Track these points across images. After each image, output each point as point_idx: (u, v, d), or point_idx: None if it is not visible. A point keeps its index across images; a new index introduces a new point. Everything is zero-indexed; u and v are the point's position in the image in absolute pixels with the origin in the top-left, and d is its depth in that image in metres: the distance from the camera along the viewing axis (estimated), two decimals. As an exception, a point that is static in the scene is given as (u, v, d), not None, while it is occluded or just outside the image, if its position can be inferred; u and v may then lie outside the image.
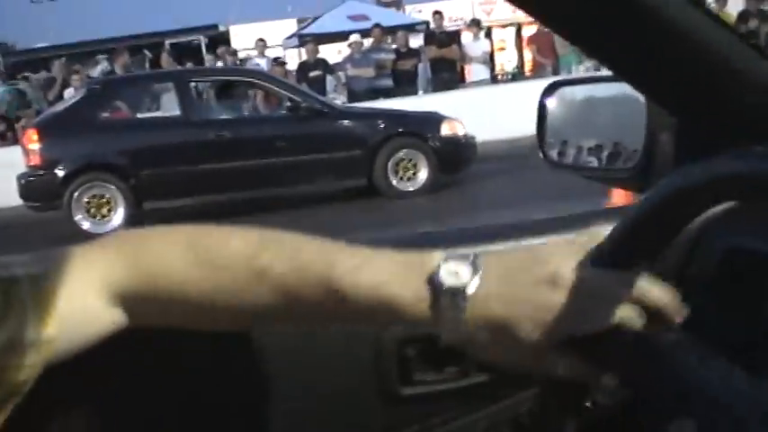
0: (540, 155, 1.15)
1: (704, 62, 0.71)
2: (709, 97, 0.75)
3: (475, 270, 0.68)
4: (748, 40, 0.75)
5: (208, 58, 15.59)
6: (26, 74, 14.17)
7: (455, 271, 0.67)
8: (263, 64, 13.51)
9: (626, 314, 0.66)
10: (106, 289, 0.72)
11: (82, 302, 0.71)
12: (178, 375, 0.93)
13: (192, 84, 9.15)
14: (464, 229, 1.12)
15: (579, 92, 1.15)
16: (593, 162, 1.09)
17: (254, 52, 13.87)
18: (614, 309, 0.66)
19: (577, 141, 1.13)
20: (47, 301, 0.69)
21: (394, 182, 8.98)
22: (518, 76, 18.39)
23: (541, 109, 1.15)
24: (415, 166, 9.00)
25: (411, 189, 8.99)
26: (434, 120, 9.10)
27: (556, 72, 14.12)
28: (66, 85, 12.90)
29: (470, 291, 0.67)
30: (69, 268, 0.71)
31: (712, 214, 0.86)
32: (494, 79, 16.10)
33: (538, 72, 14.96)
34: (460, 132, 9.08)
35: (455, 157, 9.01)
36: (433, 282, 0.67)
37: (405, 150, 8.97)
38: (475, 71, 14.43)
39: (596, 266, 0.69)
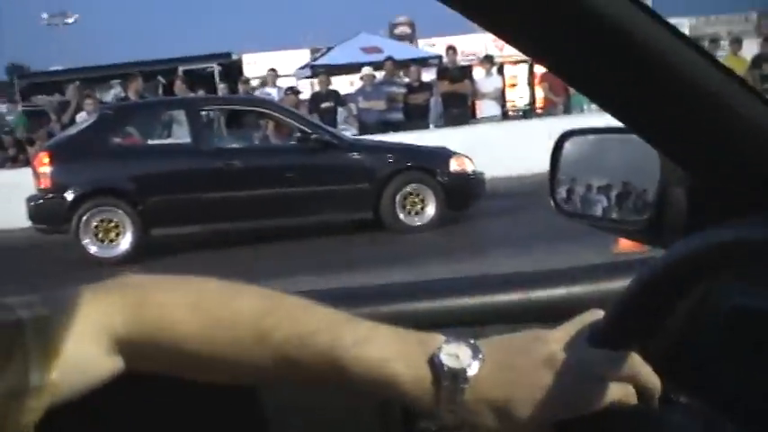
0: (551, 203, 1.16)
1: (717, 117, 0.71)
2: (723, 153, 0.74)
3: (475, 353, 0.70)
4: (763, 95, 0.74)
5: (221, 86, 15.69)
6: (39, 96, 14.31)
7: (455, 353, 0.69)
8: (273, 93, 13.59)
9: (620, 393, 0.68)
10: (107, 337, 0.73)
11: (84, 348, 0.72)
12: (178, 422, 0.93)
13: (203, 112, 9.21)
14: (456, 279, 1.13)
15: (593, 141, 1.15)
16: (605, 213, 1.09)
17: (266, 81, 13.93)
18: (606, 388, 0.68)
19: (589, 192, 1.13)
20: (51, 346, 0.69)
21: (401, 216, 8.96)
22: (529, 113, 18.44)
23: (554, 157, 1.16)
24: (422, 200, 8.99)
25: (418, 224, 8.97)
26: (443, 155, 9.11)
27: (567, 110, 14.17)
28: (79, 108, 12.99)
29: (470, 373, 0.68)
30: (74, 313, 0.72)
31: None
32: (505, 115, 16.15)
33: (549, 110, 15.03)
34: (469, 168, 9.08)
35: (463, 193, 9.01)
36: (434, 363, 0.69)
37: (413, 185, 8.97)
38: (486, 107, 14.49)
39: (592, 346, 0.70)
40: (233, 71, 16.08)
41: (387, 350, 0.70)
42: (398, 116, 13.98)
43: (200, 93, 14.13)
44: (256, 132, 10.41)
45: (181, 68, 16.29)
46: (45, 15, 43.73)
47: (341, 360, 0.70)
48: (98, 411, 0.80)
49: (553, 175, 1.16)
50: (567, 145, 1.16)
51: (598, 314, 0.74)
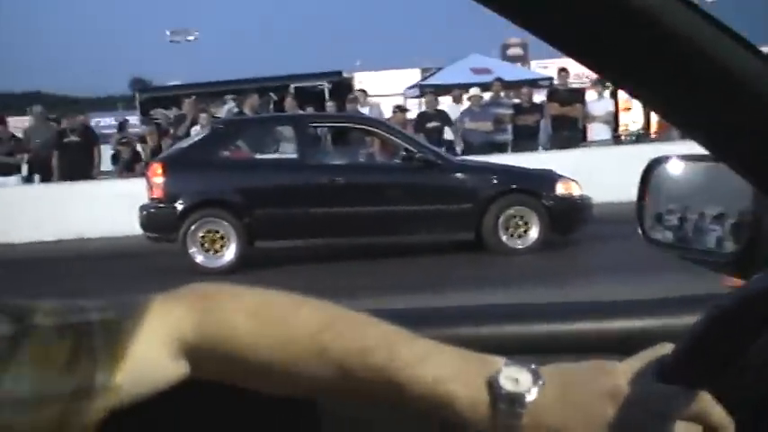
0: (639, 231, 1.12)
1: None
2: None
3: (535, 379, 0.68)
4: None
5: (329, 104, 15.93)
6: (158, 110, 14.88)
7: (515, 377, 0.68)
8: (366, 111, 13.67)
9: None
10: (173, 342, 0.74)
11: (150, 353, 0.73)
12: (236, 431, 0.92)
13: (311, 128, 9.35)
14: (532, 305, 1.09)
15: (684, 168, 1.10)
16: (696, 244, 1.05)
17: (373, 100, 14.07)
18: (672, 426, 0.65)
19: (679, 222, 1.09)
20: (118, 348, 0.71)
21: (503, 238, 8.85)
22: (642, 137, 17.96)
23: (643, 183, 1.12)
24: (526, 223, 8.85)
25: (520, 246, 8.84)
26: (549, 178, 8.95)
27: (683, 136, 13.69)
28: (194, 122, 13.43)
29: (529, 399, 0.67)
30: (142, 318, 0.73)
31: None
32: (616, 139, 15.77)
33: (663, 135, 14.57)
34: (576, 192, 8.88)
35: (568, 218, 8.81)
36: (493, 386, 0.68)
37: (516, 207, 8.85)
38: (596, 130, 14.18)
39: (659, 382, 0.68)
40: (343, 89, 16.30)
41: (444, 370, 0.69)
42: (505, 137, 13.87)
43: (309, 110, 14.37)
44: (362, 150, 10.50)
45: (292, 86, 16.65)
46: (168, 32, 45.69)
47: (397, 378, 0.69)
48: (160, 415, 0.80)
49: (641, 204, 1.13)
50: (657, 172, 1.12)
51: (667, 348, 0.70)
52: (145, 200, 9.05)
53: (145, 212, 8.89)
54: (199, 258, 8.73)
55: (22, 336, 0.68)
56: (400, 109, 14.45)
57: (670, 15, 0.61)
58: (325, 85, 17.41)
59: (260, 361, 0.73)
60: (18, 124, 15.12)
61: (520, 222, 8.86)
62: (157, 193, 8.78)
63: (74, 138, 13.34)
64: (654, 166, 1.13)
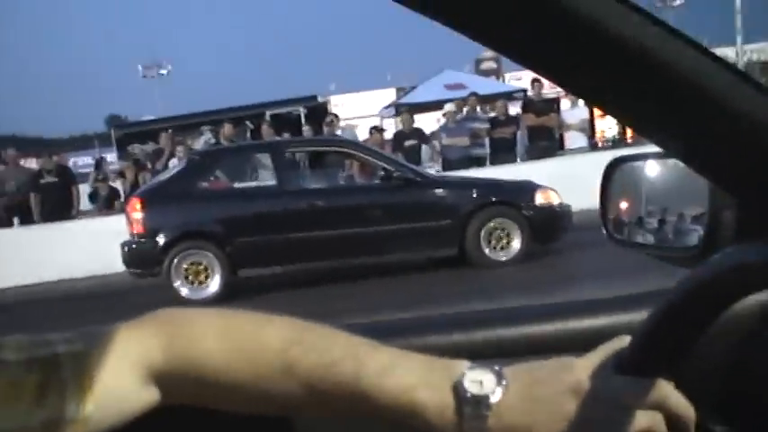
0: (603, 231, 1.14)
1: (758, 137, 0.67)
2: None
3: (499, 379, 0.69)
4: None
5: (305, 128, 15.98)
6: (134, 145, 14.85)
7: (479, 380, 0.69)
8: (353, 133, 13.70)
9: (648, 421, 0.67)
10: (142, 369, 0.74)
11: (119, 381, 0.73)
12: None
13: (288, 154, 9.36)
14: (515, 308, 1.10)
15: (644, 167, 1.11)
16: (657, 241, 1.07)
17: (345, 123, 14.11)
18: (634, 416, 0.66)
19: (639, 219, 1.11)
20: (86, 379, 0.71)
21: (486, 251, 8.87)
22: (618, 143, 18.08)
23: (605, 184, 1.14)
24: (508, 235, 8.87)
25: (504, 259, 8.86)
26: (528, 188, 9.00)
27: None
28: (171, 155, 13.42)
29: (493, 400, 0.68)
30: (109, 347, 0.73)
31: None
32: (593, 146, 15.88)
33: (639, 139, 14.69)
34: (555, 201, 8.93)
35: (549, 227, 8.85)
36: (458, 389, 0.69)
37: (497, 219, 8.87)
38: (574, 138, 14.29)
39: (619, 374, 0.69)
40: (319, 113, 16.33)
41: (410, 377, 0.70)
42: (483, 151, 13.93)
43: (286, 136, 14.40)
44: (341, 172, 10.51)
45: (268, 113, 16.67)
46: (140, 68, 45.76)
47: (364, 389, 0.70)
48: None
49: (604, 204, 1.14)
50: (618, 172, 1.14)
51: (625, 341, 0.72)
52: (126, 236, 9.01)
53: (127, 249, 8.86)
54: (184, 291, 8.70)
55: None
56: (377, 129, 14.51)
57: (621, 24, 0.63)
58: (301, 111, 17.45)
59: (230, 381, 0.73)
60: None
61: (502, 234, 8.88)
62: (138, 229, 8.75)
63: (50, 179, 13.28)
64: (614, 165, 1.14)
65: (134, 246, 8.82)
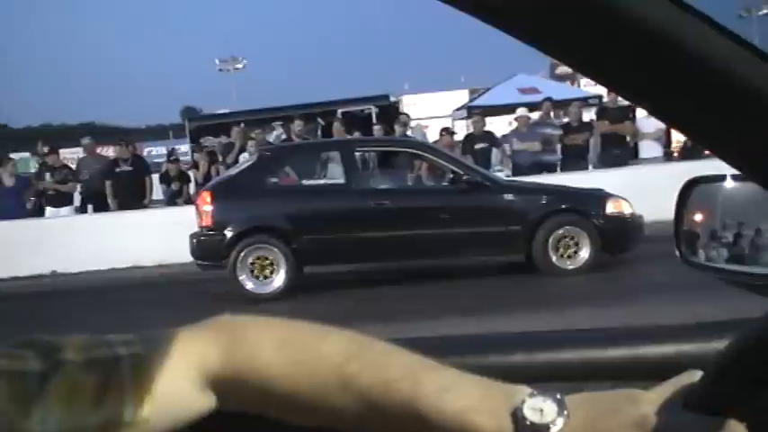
0: (677, 253, 1.09)
1: None
2: None
3: (561, 409, 0.67)
4: None
5: (376, 127, 16.01)
6: (207, 137, 15.07)
7: (540, 408, 0.67)
8: (423, 134, 13.65)
9: None
10: (201, 374, 0.75)
11: (177, 386, 0.74)
12: None
13: (357, 153, 9.37)
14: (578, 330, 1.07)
15: (721, 188, 1.06)
16: (733, 266, 1.02)
17: (415, 122, 14.07)
18: None
19: (717, 243, 1.06)
20: (145, 382, 0.72)
21: (554, 259, 8.73)
22: (695, 153, 17.63)
23: (680, 204, 1.10)
24: (576, 243, 8.72)
25: (571, 267, 8.71)
26: (599, 197, 8.82)
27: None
28: (242, 149, 13.58)
29: (554, 430, 0.66)
30: (169, 351, 0.74)
31: None
32: (669, 156, 15.51)
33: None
34: (627, 211, 8.73)
35: (619, 237, 8.66)
36: (517, 417, 0.67)
37: (566, 227, 8.73)
38: (647, 148, 13.99)
39: (688, 411, 0.67)
40: (390, 113, 16.34)
41: (469, 400, 0.69)
42: (554, 158, 13.73)
43: (356, 134, 14.44)
44: (410, 173, 10.50)
45: (339, 111, 16.75)
46: (217, 61, 46.61)
47: (422, 408, 0.69)
48: None
49: (678, 225, 1.10)
50: (694, 193, 1.10)
51: (696, 375, 0.70)
52: (193, 227, 9.15)
53: (195, 240, 8.97)
54: (249, 285, 8.77)
55: (52, 372, 0.68)
56: (447, 131, 14.45)
57: (699, 39, 0.59)
58: (373, 109, 17.47)
59: (286, 392, 0.73)
60: (74, 155, 15.48)
61: (570, 243, 8.73)
62: (207, 221, 8.85)
63: (125, 167, 13.58)
64: (691, 186, 1.10)
65: (202, 238, 8.92)
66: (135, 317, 7.50)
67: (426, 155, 9.53)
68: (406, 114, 14.28)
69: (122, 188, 13.46)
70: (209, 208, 8.84)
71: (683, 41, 0.59)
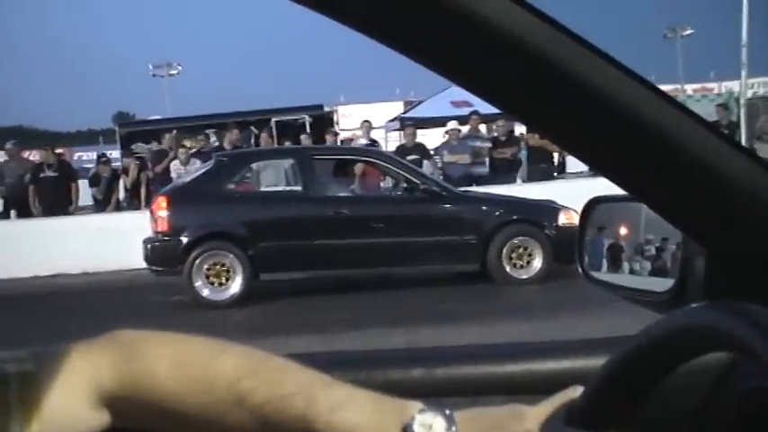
0: (579, 270, 1.13)
1: (721, 187, 0.71)
2: (737, 230, 0.74)
3: (449, 425, 0.69)
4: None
5: (303, 136, 15.93)
6: (138, 143, 14.68)
7: (429, 424, 0.69)
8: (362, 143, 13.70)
9: None
10: (93, 391, 0.74)
11: (67, 403, 0.73)
12: None
13: (314, 160, 9.37)
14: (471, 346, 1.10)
15: (622, 209, 1.10)
16: (630, 282, 1.05)
17: (359, 132, 14.12)
18: None
19: (615, 260, 1.10)
20: (33, 400, 0.71)
21: (507, 268, 8.93)
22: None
23: (582, 224, 1.14)
24: (529, 254, 8.95)
25: (525, 277, 8.93)
26: (552, 208, 9.09)
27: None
28: (174, 157, 13.28)
29: None
30: (61, 368, 0.73)
31: (727, 360, 0.83)
32: (593, 171, 16.02)
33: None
34: (577, 222, 9.01)
35: (571, 247, 8.89)
36: None
37: (520, 237, 8.96)
38: (574, 162, 14.42)
39: (569, 426, 0.69)
40: (324, 123, 16.34)
41: (360, 417, 0.70)
42: (483, 170, 14.01)
43: (287, 143, 14.36)
44: (366, 182, 10.54)
45: (273, 119, 16.63)
46: (151, 66, 45.30)
47: (314, 425, 0.70)
48: None
49: (581, 242, 1.14)
50: (596, 211, 1.14)
51: (578, 391, 0.73)
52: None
53: (149, 246, 8.78)
54: (205, 292, 8.64)
55: None
56: (373, 144, 14.53)
57: (606, 83, 0.67)
58: (306, 119, 17.42)
59: (181, 409, 0.73)
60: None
61: (523, 253, 8.95)
62: (162, 227, 8.68)
63: (51, 173, 13.11)
64: (592, 205, 1.14)
65: (157, 243, 8.75)
66: (53, 326, 7.22)
67: (384, 164, 9.62)
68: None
69: (47, 194, 13.00)
70: (164, 213, 8.67)
71: (566, 67, 0.66)
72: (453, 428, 0.69)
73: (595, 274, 1.10)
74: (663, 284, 0.94)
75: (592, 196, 1.17)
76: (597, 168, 0.76)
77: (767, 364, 0.53)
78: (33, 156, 16.17)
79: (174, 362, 0.74)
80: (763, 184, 0.73)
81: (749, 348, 0.55)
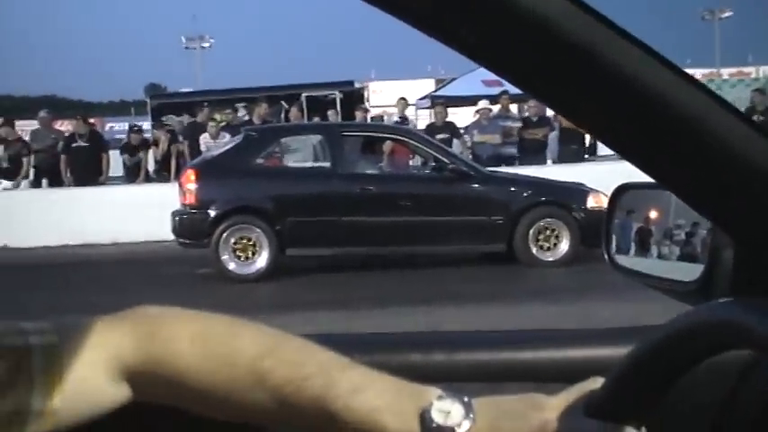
0: (605, 257, 1.11)
1: (754, 181, 0.69)
2: (766, 221, 0.72)
3: (467, 412, 0.69)
4: None
5: (330, 112, 15.91)
6: (169, 115, 14.75)
7: (447, 410, 0.69)
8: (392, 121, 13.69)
9: None
10: (114, 365, 0.74)
11: (89, 376, 0.73)
12: None
13: (344, 137, 9.36)
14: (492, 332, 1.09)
15: (651, 196, 1.07)
16: (656, 271, 1.03)
17: (390, 110, 14.09)
18: None
19: (644, 244, 1.08)
20: (56, 372, 0.71)
21: (534, 250, 8.90)
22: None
23: (610, 210, 1.12)
24: (557, 236, 8.90)
25: (551, 259, 8.89)
26: (580, 191, 9.03)
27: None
28: (203, 130, 13.35)
29: None
30: (83, 341, 0.74)
31: (751, 357, 0.82)
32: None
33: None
34: (606, 206, 8.94)
35: (599, 231, 8.84)
36: (424, 418, 0.69)
37: (547, 219, 8.91)
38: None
39: (589, 417, 0.69)
40: (354, 99, 16.31)
41: (378, 401, 0.70)
42: (513, 150, 13.94)
43: (316, 119, 14.37)
44: (394, 160, 10.53)
45: (303, 95, 16.64)
46: (183, 39, 45.69)
47: (333, 407, 0.70)
48: None
49: (608, 230, 1.11)
50: (624, 199, 1.11)
51: (598, 382, 0.72)
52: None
53: (177, 218, 8.85)
54: (231, 265, 8.70)
55: None
56: (403, 120, 14.50)
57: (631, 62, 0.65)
58: (337, 95, 17.39)
59: (201, 386, 0.74)
60: (31, 128, 14.96)
61: (551, 235, 8.91)
62: (190, 200, 8.74)
63: (82, 143, 13.23)
64: (620, 192, 1.12)
65: (185, 216, 8.81)
66: (80, 295, 7.31)
67: (413, 142, 9.58)
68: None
69: (78, 163, 13.13)
70: (193, 186, 8.73)
71: (603, 57, 0.65)
72: (471, 416, 0.69)
73: (621, 261, 1.09)
74: (689, 273, 0.93)
75: (622, 180, 1.15)
76: (623, 154, 0.75)
77: None
78: (66, 126, 16.31)
79: (195, 339, 0.74)
80: None
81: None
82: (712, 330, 0.62)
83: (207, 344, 0.74)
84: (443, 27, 0.68)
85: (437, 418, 0.68)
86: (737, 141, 0.69)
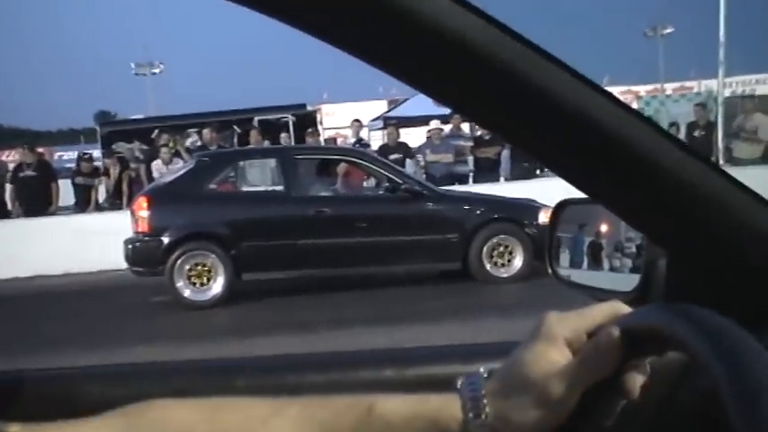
0: (549, 270, 1.15)
1: (687, 197, 0.73)
2: (694, 233, 0.77)
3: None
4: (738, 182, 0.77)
5: (283, 135, 15.88)
6: (120, 143, 14.61)
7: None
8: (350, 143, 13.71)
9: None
10: None
11: None
12: None
13: (297, 160, 9.36)
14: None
15: (592, 210, 1.08)
16: (598, 282, 1.06)
17: (344, 132, 14.13)
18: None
19: (584, 260, 1.11)
20: None
21: (488, 267, 8.97)
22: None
23: (552, 224, 1.16)
24: (510, 252, 8.99)
25: (505, 275, 8.96)
26: (532, 207, 9.12)
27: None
28: (154, 157, 13.23)
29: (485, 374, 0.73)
30: None
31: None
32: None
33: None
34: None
35: (549, 246, 8.97)
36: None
37: (501, 236, 8.99)
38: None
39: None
40: (307, 122, 16.31)
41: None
42: (465, 169, 14.06)
43: (266, 143, 14.34)
44: (348, 181, 10.54)
45: (256, 118, 16.58)
46: (133, 65, 45.22)
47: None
48: None
49: (551, 243, 1.15)
50: (566, 213, 1.15)
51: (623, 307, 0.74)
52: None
53: (130, 246, 8.73)
54: (186, 292, 8.61)
55: None
56: (360, 143, 14.55)
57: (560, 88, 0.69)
58: (290, 118, 17.38)
59: None
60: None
61: (504, 251, 9.00)
62: (143, 227, 8.64)
63: (30, 172, 13.02)
64: (562, 206, 1.15)
65: (138, 244, 8.70)
66: (34, 328, 7.16)
67: (366, 163, 9.61)
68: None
69: (27, 193, 12.90)
70: (145, 213, 8.63)
71: (520, 71, 0.68)
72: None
73: (565, 274, 1.12)
74: (628, 284, 0.95)
75: (572, 195, 1.16)
76: (556, 172, 0.78)
77: (701, 365, 0.55)
78: (13, 156, 16.05)
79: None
80: (718, 188, 0.75)
81: (688, 349, 0.57)
82: (636, 336, 0.65)
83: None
84: (373, 53, 0.71)
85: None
86: (662, 157, 0.72)
